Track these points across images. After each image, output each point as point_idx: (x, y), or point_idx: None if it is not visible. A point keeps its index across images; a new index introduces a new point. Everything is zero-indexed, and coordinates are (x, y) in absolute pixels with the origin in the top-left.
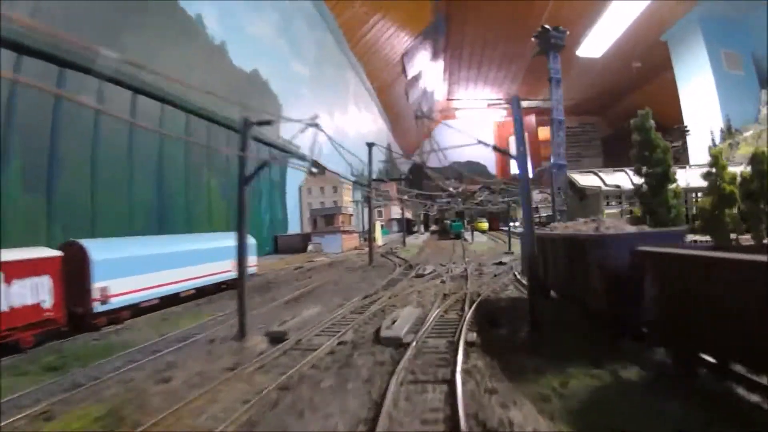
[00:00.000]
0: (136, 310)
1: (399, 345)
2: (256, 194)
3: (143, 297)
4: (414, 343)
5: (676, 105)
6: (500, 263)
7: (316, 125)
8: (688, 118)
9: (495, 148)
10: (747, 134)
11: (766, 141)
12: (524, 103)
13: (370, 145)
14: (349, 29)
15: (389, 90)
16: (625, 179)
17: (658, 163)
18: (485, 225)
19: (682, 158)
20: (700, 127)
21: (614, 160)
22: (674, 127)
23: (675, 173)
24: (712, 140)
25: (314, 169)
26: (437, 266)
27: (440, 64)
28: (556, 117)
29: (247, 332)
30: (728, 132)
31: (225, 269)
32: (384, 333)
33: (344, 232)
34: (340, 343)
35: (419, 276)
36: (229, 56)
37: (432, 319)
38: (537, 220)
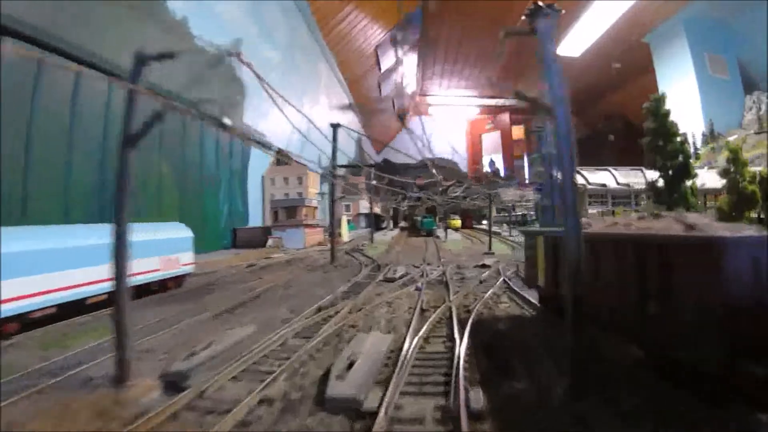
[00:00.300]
0: (29, 320)
1: (356, 414)
2: (214, 183)
3: (35, 304)
4: (381, 412)
5: None
6: (483, 266)
7: (237, 55)
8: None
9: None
10: (731, 139)
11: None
12: (499, 101)
13: (334, 126)
14: (323, 17)
15: (362, 83)
16: (609, 178)
17: (675, 155)
18: (458, 222)
19: None
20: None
21: (590, 162)
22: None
23: (694, 167)
24: (694, 144)
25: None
26: (409, 268)
27: (414, 58)
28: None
29: (130, 373)
30: (711, 136)
31: (151, 268)
32: (332, 390)
33: (307, 226)
34: (261, 401)
35: (389, 280)
36: (190, 33)
37: (409, 354)
38: (512, 219)
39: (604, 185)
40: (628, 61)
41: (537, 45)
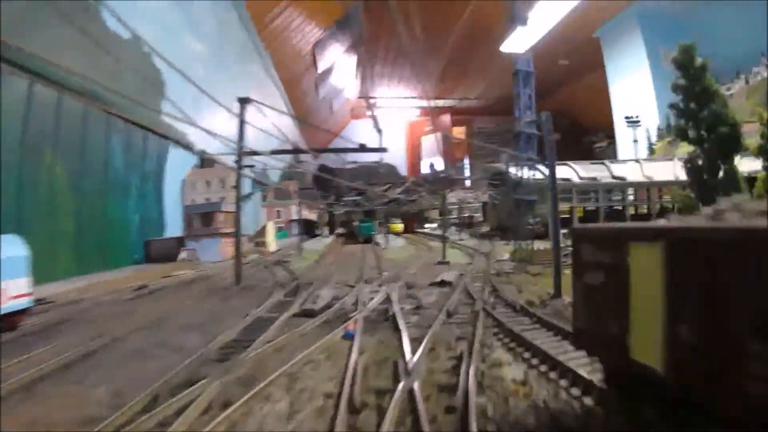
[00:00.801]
0: None
1: None
2: (120, 188)
3: None
4: None
5: (603, 104)
6: (442, 283)
7: None
8: (619, 117)
9: None
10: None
11: None
12: (439, 102)
13: (242, 101)
14: (257, 12)
15: (298, 83)
16: (569, 173)
17: (716, 121)
18: (400, 227)
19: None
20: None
21: None
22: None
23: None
24: (648, 139)
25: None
26: (341, 288)
27: (353, 58)
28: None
29: None
30: (667, 130)
31: None
32: None
33: (226, 235)
34: None
35: (307, 314)
36: (101, 15)
37: None
38: (463, 221)
39: (568, 179)
40: (577, 58)
41: None
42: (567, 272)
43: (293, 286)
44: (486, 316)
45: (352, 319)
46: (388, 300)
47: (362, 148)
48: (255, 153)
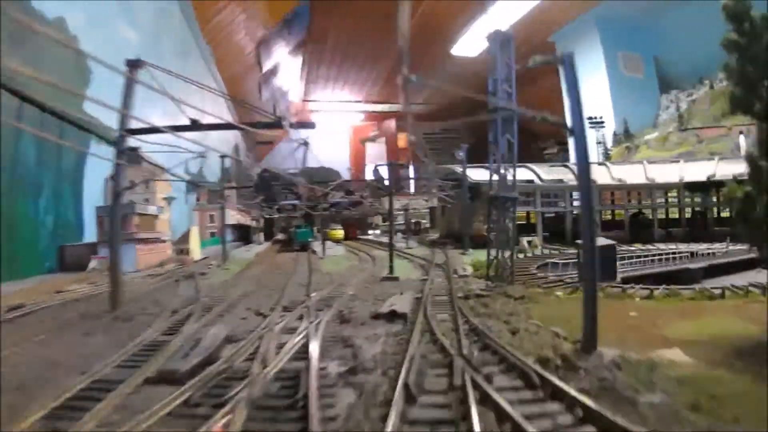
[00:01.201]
0: None
1: None
2: (32, 187)
3: None
4: None
5: (555, 110)
6: (393, 316)
7: None
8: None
9: None
10: (650, 137)
11: None
12: (385, 107)
13: (131, 65)
14: (201, 4)
15: (241, 82)
16: (530, 175)
17: None
18: (340, 233)
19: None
20: (587, 132)
21: None
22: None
23: None
24: (604, 144)
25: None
26: (245, 319)
27: (299, 59)
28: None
29: None
30: (626, 135)
31: None
32: None
33: (142, 240)
34: None
35: (165, 379)
36: None
37: None
38: (411, 227)
39: (531, 181)
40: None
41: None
42: (569, 296)
43: (187, 312)
44: (480, 398)
45: (226, 407)
46: (305, 351)
47: (262, 125)
48: (140, 131)
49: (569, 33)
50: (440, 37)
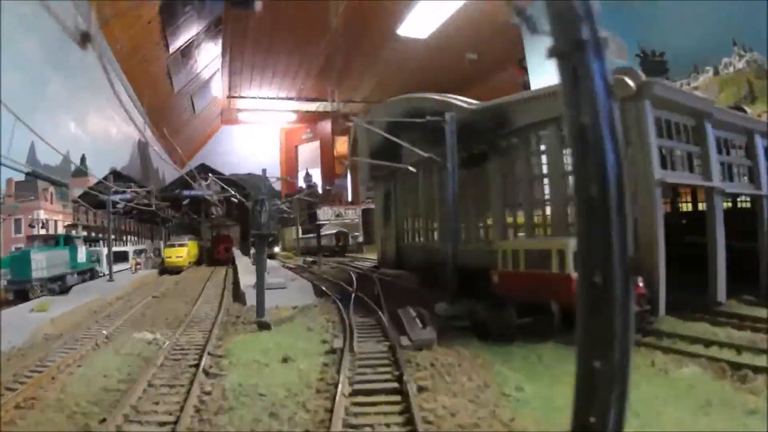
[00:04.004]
0: None
1: None
2: None
3: None
4: None
5: None
6: None
7: None
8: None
9: None
10: None
11: None
12: (320, 106)
13: None
14: None
15: (146, 68)
16: None
17: None
18: (182, 252)
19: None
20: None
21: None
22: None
23: None
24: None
25: None
26: None
27: (218, 41)
28: None
29: None
30: None
31: None
32: None
33: None
34: None
35: None
36: None
37: None
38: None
39: None
40: (489, 51)
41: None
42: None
43: None
44: None
45: None
46: None
47: None
48: None
49: (538, 14)
50: (383, 14)
